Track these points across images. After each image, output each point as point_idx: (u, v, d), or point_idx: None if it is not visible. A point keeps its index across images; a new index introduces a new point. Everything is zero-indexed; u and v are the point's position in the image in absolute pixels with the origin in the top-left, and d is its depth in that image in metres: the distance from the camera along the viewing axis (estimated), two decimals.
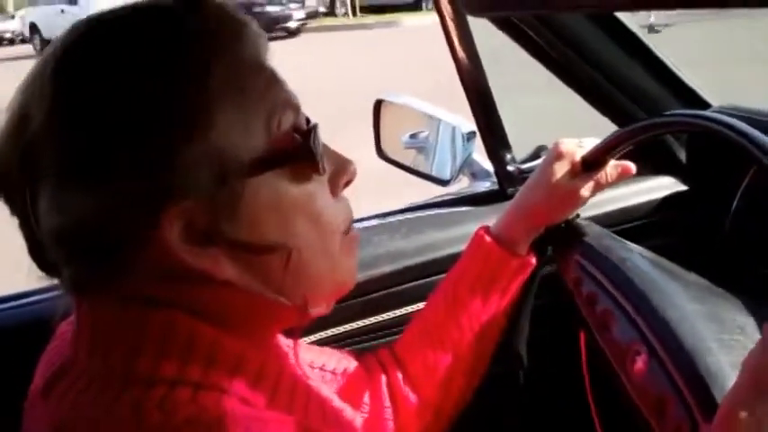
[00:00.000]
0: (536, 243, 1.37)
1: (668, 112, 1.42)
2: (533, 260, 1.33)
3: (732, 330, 1.12)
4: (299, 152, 0.84)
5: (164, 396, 0.75)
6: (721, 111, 1.64)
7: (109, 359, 0.80)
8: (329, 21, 24.37)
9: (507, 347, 1.40)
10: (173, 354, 0.79)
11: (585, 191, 1.31)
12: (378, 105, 1.79)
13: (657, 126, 1.34)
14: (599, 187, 1.33)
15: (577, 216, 1.40)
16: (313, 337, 1.45)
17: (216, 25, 0.82)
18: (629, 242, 1.38)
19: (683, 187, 1.72)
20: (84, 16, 0.83)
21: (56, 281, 0.84)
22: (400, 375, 1.26)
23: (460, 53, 1.57)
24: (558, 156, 1.31)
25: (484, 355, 1.31)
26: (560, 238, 1.39)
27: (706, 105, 1.70)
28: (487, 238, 1.32)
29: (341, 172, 0.90)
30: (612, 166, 1.33)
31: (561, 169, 1.30)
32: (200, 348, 0.80)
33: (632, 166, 1.35)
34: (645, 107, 1.66)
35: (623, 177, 1.35)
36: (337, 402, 1.00)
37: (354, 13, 24.70)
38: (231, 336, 0.83)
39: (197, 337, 0.81)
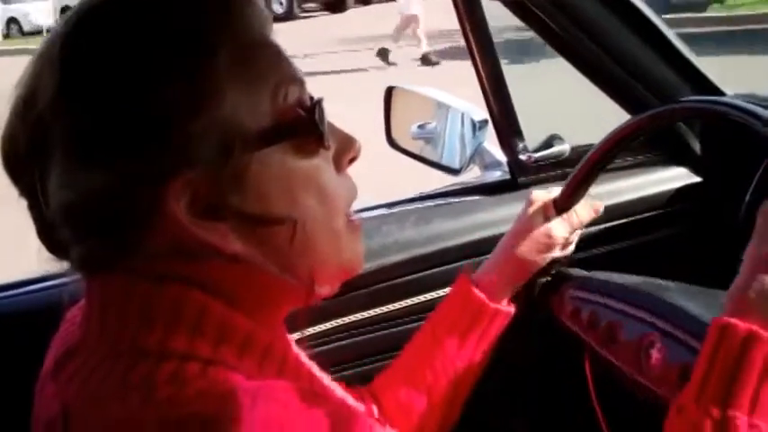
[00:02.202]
0: (525, 295, 1.38)
1: (684, 98, 1.41)
2: (512, 309, 1.35)
3: None
4: (305, 126, 0.84)
5: (174, 370, 0.75)
6: (738, 97, 1.62)
7: (119, 336, 0.80)
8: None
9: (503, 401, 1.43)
10: (183, 329, 0.79)
11: (559, 232, 1.35)
12: (389, 93, 1.78)
13: (672, 112, 1.33)
14: (572, 227, 1.37)
15: (565, 265, 1.41)
16: (321, 327, 1.45)
17: (221, 2, 0.83)
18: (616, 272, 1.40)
19: (697, 178, 1.71)
20: None
21: (65, 266, 0.84)
22: (376, 410, 1.27)
23: (474, 39, 1.56)
24: (529, 203, 1.37)
25: (457, 399, 1.33)
26: (549, 284, 1.40)
27: (720, 93, 1.68)
28: (468, 284, 1.34)
29: (346, 149, 0.90)
30: (582, 206, 1.38)
31: (534, 215, 1.36)
32: (210, 324, 0.81)
33: (600, 206, 1.40)
34: (658, 94, 1.64)
35: (593, 215, 1.39)
36: (333, 385, 1.02)
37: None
38: (240, 313, 0.83)
39: (207, 313, 0.81)
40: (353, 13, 21.32)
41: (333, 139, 0.88)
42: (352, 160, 0.91)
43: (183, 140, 0.77)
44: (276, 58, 0.85)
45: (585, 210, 1.38)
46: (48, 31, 1.03)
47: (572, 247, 1.40)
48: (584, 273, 1.39)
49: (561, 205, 1.36)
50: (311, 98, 0.87)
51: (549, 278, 1.40)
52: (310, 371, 0.97)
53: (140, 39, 0.78)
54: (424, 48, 12.46)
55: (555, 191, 1.39)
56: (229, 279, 0.83)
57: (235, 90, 0.79)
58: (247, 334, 0.83)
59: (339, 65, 12.44)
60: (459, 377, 1.31)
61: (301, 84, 0.86)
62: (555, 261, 1.38)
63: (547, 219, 1.35)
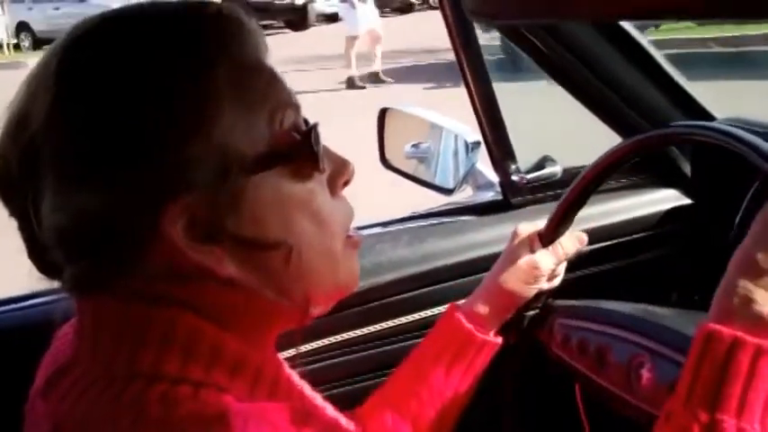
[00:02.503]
0: (513, 327, 1.39)
1: (675, 123, 1.42)
2: (499, 340, 1.36)
3: None
4: (301, 150, 0.84)
5: (165, 392, 0.75)
6: (728, 122, 1.63)
7: (111, 357, 0.80)
8: None
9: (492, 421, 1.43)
10: (175, 352, 0.79)
11: (545, 263, 1.36)
12: (382, 114, 1.79)
13: (663, 137, 1.34)
14: (558, 259, 1.38)
15: (551, 299, 1.42)
16: (313, 345, 1.45)
17: (218, 24, 0.83)
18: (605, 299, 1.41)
19: (687, 200, 1.72)
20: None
21: (56, 283, 0.84)
22: None
23: (466, 61, 1.57)
24: (515, 236, 1.39)
25: (443, 430, 1.33)
26: (537, 316, 1.41)
27: (710, 117, 1.70)
28: (456, 315, 1.35)
29: (340, 172, 0.90)
30: (567, 238, 1.39)
31: (521, 247, 1.37)
32: (202, 347, 0.80)
33: (584, 237, 1.41)
34: (649, 118, 1.65)
35: (579, 246, 1.40)
36: (325, 404, 1.02)
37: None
38: (232, 336, 0.83)
39: (199, 336, 0.81)
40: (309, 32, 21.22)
41: (327, 163, 0.88)
42: (345, 183, 0.92)
43: (180, 163, 0.77)
44: (272, 81, 0.85)
45: (571, 241, 1.39)
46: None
47: (559, 279, 1.41)
48: (571, 302, 1.40)
49: (547, 237, 1.37)
50: (305, 122, 0.88)
51: (537, 310, 1.41)
52: (302, 392, 0.96)
53: (136, 61, 0.78)
54: (377, 66, 12.61)
55: (540, 223, 1.40)
56: (223, 302, 0.83)
57: (232, 113, 0.79)
58: (239, 356, 0.83)
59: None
60: (446, 407, 1.31)
61: (297, 108, 0.86)
62: (542, 293, 1.39)
63: (533, 251, 1.36)
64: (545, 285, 1.38)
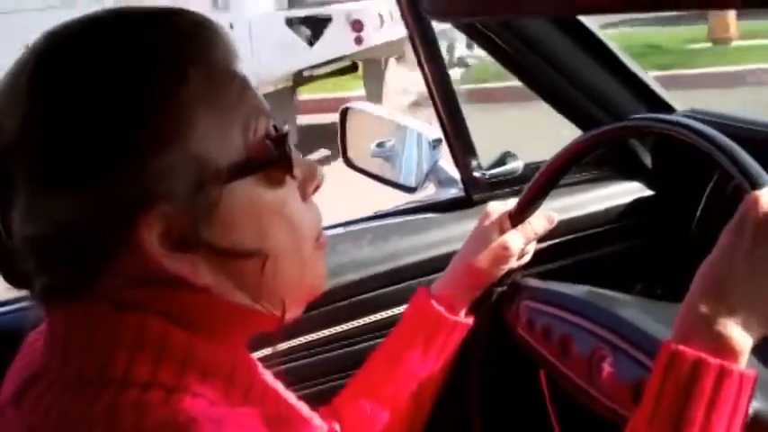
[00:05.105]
0: (481, 304, 1.40)
1: (633, 116, 1.43)
2: (470, 320, 1.37)
3: None
4: (275, 157, 0.85)
5: (137, 398, 0.75)
6: (687, 114, 1.64)
7: (82, 364, 0.79)
8: None
9: (458, 400, 1.43)
10: (145, 357, 0.79)
11: (515, 244, 1.37)
12: (344, 113, 1.79)
13: (621, 130, 1.35)
14: (528, 239, 1.39)
15: (520, 274, 1.43)
16: (280, 347, 1.44)
17: (190, 33, 0.83)
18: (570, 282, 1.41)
19: (649, 192, 1.73)
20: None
21: (23, 292, 0.84)
22: (338, 427, 1.27)
23: (425, 58, 1.57)
24: (486, 216, 1.40)
25: (421, 411, 1.34)
26: (505, 294, 1.42)
27: (671, 109, 1.71)
28: (426, 298, 1.36)
29: (310, 178, 0.91)
30: (537, 218, 1.40)
31: (491, 227, 1.38)
32: (173, 352, 0.80)
33: (555, 216, 1.43)
34: (609, 111, 1.66)
35: (548, 227, 1.42)
36: (300, 404, 1.03)
37: None
38: (203, 340, 0.83)
39: (170, 341, 0.81)
40: None
41: (298, 169, 0.88)
42: (316, 188, 0.92)
43: (155, 173, 0.77)
44: (244, 89, 0.85)
45: (540, 221, 1.40)
46: None
47: (527, 257, 1.42)
48: (538, 283, 1.40)
49: (516, 217, 1.38)
50: (275, 128, 0.88)
51: (505, 288, 1.41)
52: (276, 394, 0.97)
53: (109, 72, 0.78)
54: None
55: (511, 203, 1.41)
56: (196, 308, 0.83)
57: (206, 122, 0.79)
58: (211, 360, 0.83)
59: None
60: (422, 389, 1.32)
61: (268, 116, 0.87)
62: (511, 271, 1.40)
63: (503, 231, 1.37)
64: (514, 264, 1.39)
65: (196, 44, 0.82)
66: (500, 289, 1.41)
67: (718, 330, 0.91)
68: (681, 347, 0.91)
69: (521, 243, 1.38)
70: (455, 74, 10.27)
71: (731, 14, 10.16)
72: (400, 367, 1.32)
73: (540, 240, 1.44)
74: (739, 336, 0.91)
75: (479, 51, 1.70)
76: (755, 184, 1.00)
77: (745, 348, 0.91)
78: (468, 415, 1.47)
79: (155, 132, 0.77)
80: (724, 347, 0.90)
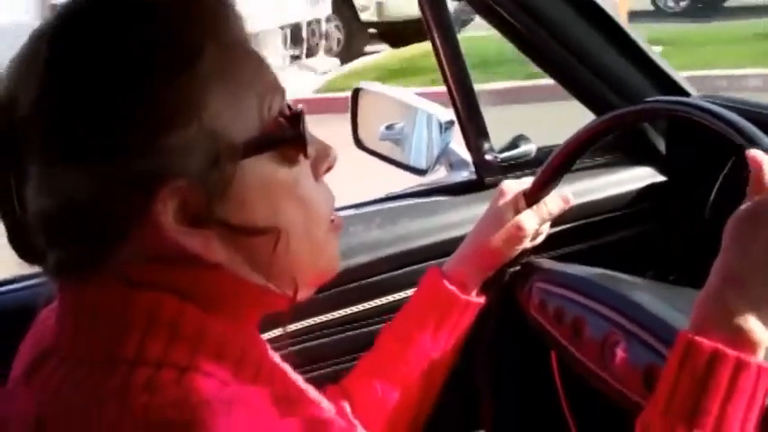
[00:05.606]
0: (494, 284, 1.39)
1: (650, 99, 1.42)
2: (482, 299, 1.37)
3: None
4: (290, 135, 0.85)
5: (149, 377, 0.76)
6: (704, 98, 1.63)
7: (94, 342, 0.80)
8: None
9: (467, 382, 1.43)
10: (158, 335, 0.79)
11: (530, 224, 1.36)
12: (355, 94, 1.78)
13: (639, 113, 1.34)
14: (542, 219, 1.38)
15: (532, 255, 1.42)
16: (290, 328, 1.43)
17: (206, 8, 0.83)
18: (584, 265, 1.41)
19: (662, 178, 1.72)
20: None
21: (36, 269, 0.84)
22: (348, 407, 1.27)
23: (440, 40, 1.56)
24: (501, 194, 1.39)
25: (431, 391, 1.34)
26: (518, 274, 1.41)
27: (686, 94, 1.69)
28: (438, 277, 1.35)
29: (323, 157, 0.91)
30: (552, 198, 1.39)
31: (505, 207, 1.37)
32: (186, 330, 0.80)
33: (570, 197, 1.41)
34: (624, 95, 1.65)
35: (563, 207, 1.41)
36: (307, 386, 1.03)
37: None
38: (216, 319, 0.83)
39: (183, 319, 0.81)
40: None
41: (311, 148, 0.88)
42: (328, 169, 0.92)
43: (170, 149, 0.77)
44: (260, 66, 0.85)
45: (555, 201, 1.39)
46: None
47: (541, 237, 1.41)
48: (552, 264, 1.40)
49: (531, 197, 1.37)
50: (289, 107, 0.87)
51: (518, 267, 1.41)
52: (285, 375, 0.97)
53: (126, 43, 0.78)
54: None
55: (526, 181, 1.40)
56: (208, 285, 0.83)
57: (222, 98, 0.80)
58: (223, 340, 0.83)
59: None
60: (434, 368, 1.32)
61: (283, 93, 0.86)
62: (524, 251, 1.39)
63: (517, 211, 1.36)
64: (528, 244, 1.38)
65: (212, 20, 0.82)
66: (513, 269, 1.40)
67: (735, 322, 0.90)
68: (698, 338, 0.90)
69: (535, 223, 1.37)
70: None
71: None
72: (411, 347, 1.32)
73: (552, 225, 1.43)
74: (758, 328, 0.90)
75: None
76: None
77: (763, 341, 0.90)
78: (477, 395, 1.47)
79: (170, 108, 0.77)
80: (742, 339, 0.89)
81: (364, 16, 11.34)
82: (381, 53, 11.59)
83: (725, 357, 0.88)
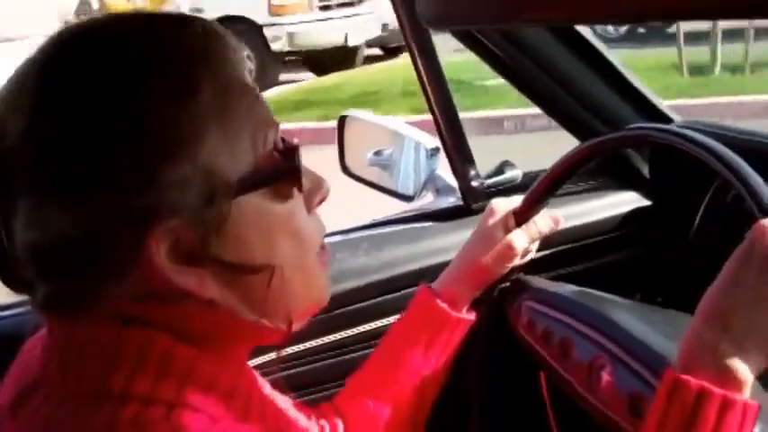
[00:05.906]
0: (484, 300, 1.39)
1: (633, 126, 1.43)
2: (473, 316, 1.37)
3: None
4: (284, 170, 0.84)
5: (137, 413, 0.74)
6: (685, 125, 1.64)
7: (82, 377, 0.78)
8: None
9: (457, 398, 1.42)
10: (147, 371, 0.78)
11: (520, 242, 1.36)
12: (342, 121, 1.79)
13: (622, 140, 1.35)
14: (532, 238, 1.38)
15: (521, 273, 1.43)
16: (273, 355, 1.43)
17: (204, 44, 0.81)
18: (573, 285, 1.41)
19: (647, 202, 1.73)
20: None
21: (23, 297, 0.83)
22: (340, 425, 1.27)
23: (423, 67, 1.57)
24: (491, 213, 1.39)
25: (423, 407, 1.34)
26: (507, 291, 1.41)
27: (668, 120, 1.71)
28: (429, 295, 1.35)
29: (316, 189, 0.90)
30: (541, 217, 1.39)
31: (495, 225, 1.37)
32: (176, 367, 0.79)
33: (560, 218, 1.42)
34: (607, 122, 1.66)
35: (553, 227, 1.41)
36: (297, 415, 1.03)
37: None
38: (207, 354, 0.83)
39: (173, 356, 0.80)
40: None
41: (306, 180, 0.87)
42: (321, 201, 0.92)
43: (164, 186, 0.75)
44: (254, 101, 0.83)
45: (545, 220, 1.39)
46: None
47: (530, 255, 1.42)
48: (541, 281, 1.40)
49: (521, 216, 1.38)
50: (283, 140, 0.87)
51: (508, 284, 1.41)
52: (275, 407, 0.96)
53: (119, 80, 0.76)
54: None
55: (515, 200, 1.40)
56: (200, 322, 0.82)
57: (217, 135, 0.78)
58: (213, 375, 0.82)
59: None
60: (425, 385, 1.32)
61: (276, 127, 0.86)
62: (514, 268, 1.39)
63: (507, 229, 1.37)
64: (517, 262, 1.38)
65: (210, 56, 0.80)
66: (502, 285, 1.41)
67: (722, 360, 0.90)
68: (684, 377, 0.90)
69: (525, 242, 1.37)
70: None
71: None
72: (403, 364, 1.31)
73: (541, 248, 1.44)
74: (743, 367, 0.90)
75: None
76: (764, 210, 0.98)
77: (748, 379, 0.90)
78: (467, 412, 1.47)
79: (165, 145, 0.76)
80: (728, 378, 0.90)
81: (276, 46, 11.16)
82: (301, 82, 11.37)
83: (711, 395, 0.89)
